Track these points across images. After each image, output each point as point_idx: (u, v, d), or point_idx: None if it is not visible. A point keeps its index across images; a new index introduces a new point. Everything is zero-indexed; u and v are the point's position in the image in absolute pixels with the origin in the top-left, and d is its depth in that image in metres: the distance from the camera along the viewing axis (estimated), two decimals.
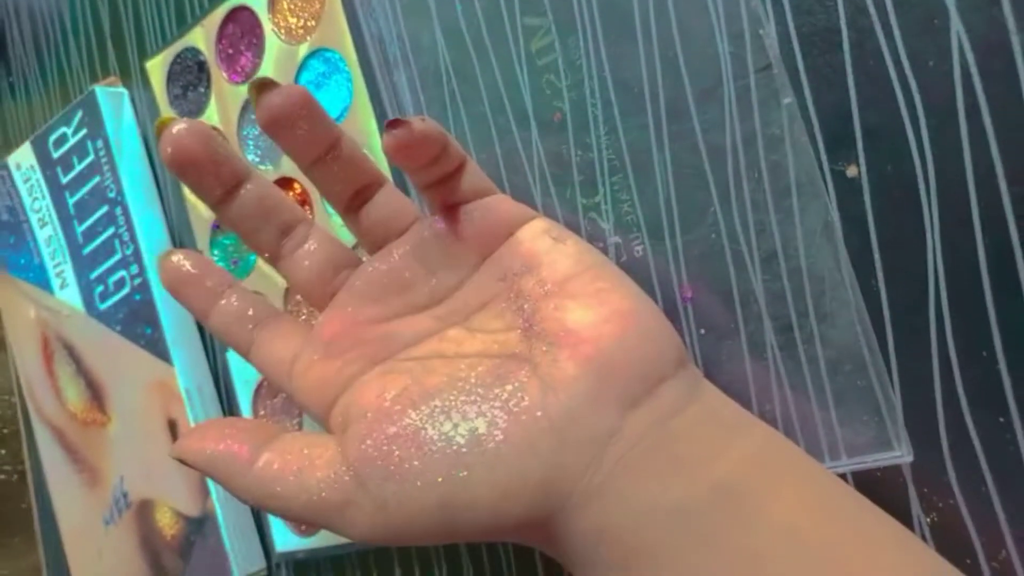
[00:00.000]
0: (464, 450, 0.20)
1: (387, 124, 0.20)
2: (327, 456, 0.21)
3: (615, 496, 0.19)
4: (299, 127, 0.22)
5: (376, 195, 0.24)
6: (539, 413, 0.20)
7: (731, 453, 0.19)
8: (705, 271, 0.26)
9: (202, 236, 0.38)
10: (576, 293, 0.21)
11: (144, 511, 0.41)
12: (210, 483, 0.38)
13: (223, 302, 0.25)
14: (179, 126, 0.22)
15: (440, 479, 0.19)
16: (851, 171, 0.24)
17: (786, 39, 0.24)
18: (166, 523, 0.40)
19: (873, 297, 0.23)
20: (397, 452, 0.20)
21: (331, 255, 0.25)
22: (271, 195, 0.24)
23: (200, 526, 0.38)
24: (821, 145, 0.24)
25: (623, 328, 0.20)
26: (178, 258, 0.25)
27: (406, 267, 0.24)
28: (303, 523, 0.26)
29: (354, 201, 0.24)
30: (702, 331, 0.26)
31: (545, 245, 0.23)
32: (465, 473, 0.19)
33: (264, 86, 0.22)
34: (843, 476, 0.23)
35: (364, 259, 0.25)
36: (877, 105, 0.23)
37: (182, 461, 0.23)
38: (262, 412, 0.37)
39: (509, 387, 0.20)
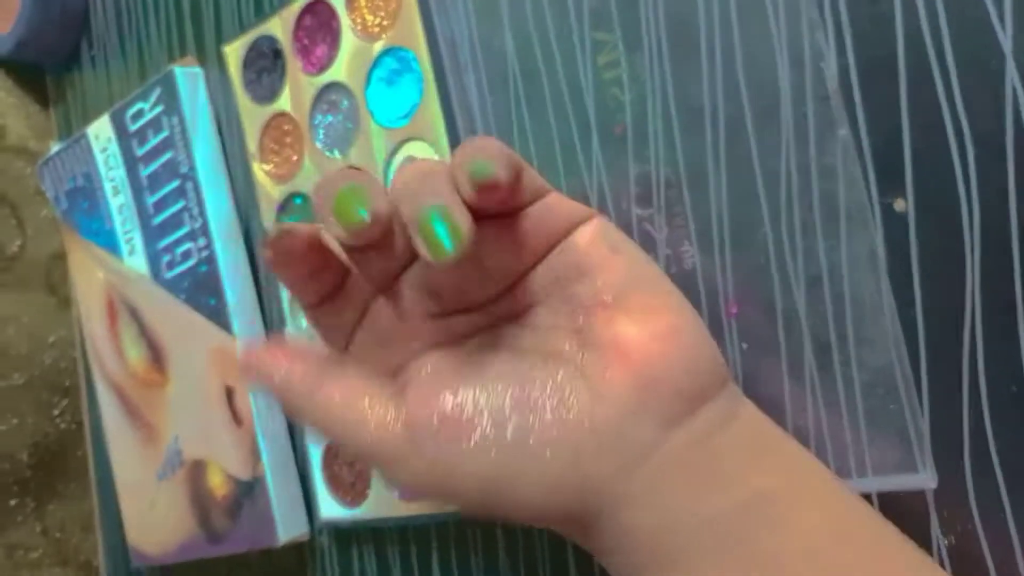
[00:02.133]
0: (512, 442, 0.21)
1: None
2: (383, 408, 0.23)
3: (648, 504, 0.21)
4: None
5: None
6: (586, 422, 0.21)
7: (764, 471, 0.21)
8: (752, 288, 0.27)
9: (268, 215, 0.40)
10: (628, 307, 0.22)
11: (196, 470, 0.43)
12: (262, 448, 0.40)
13: None
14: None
15: (486, 465, 0.21)
16: (899, 205, 0.25)
17: (845, 70, 0.25)
18: (217, 483, 0.42)
19: (910, 326, 0.24)
20: (450, 430, 0.21)
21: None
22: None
23: (250, 489, 0.40)
24: (872, 177, 0.25)
25: (671, 347, 0.21)
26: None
27: (465, 265, 0.24)
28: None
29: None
30: (744, 345, 0.27)
31: (601, 254, 0.23)
32: (510, 466, 0.21)
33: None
34: (868, 496, 0.25)
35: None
36: (928, 142, 0.24)
37: (249, 370, 0.24)
38: None
39: (561, 390, 0.21)
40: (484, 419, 0.21)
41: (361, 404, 0.23)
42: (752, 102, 0.26)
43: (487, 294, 0.24)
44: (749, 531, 0.20)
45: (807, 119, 0.25)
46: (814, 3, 0.25)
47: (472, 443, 0.21)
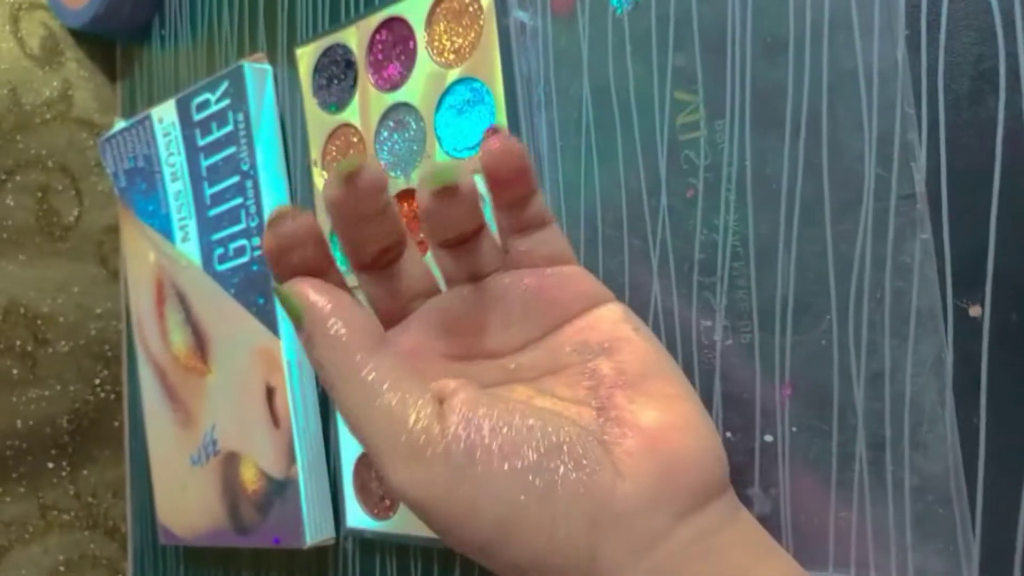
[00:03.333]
0: (541, 487, 0.20)
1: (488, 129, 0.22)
2: (427, 407, 0.21)
3: None
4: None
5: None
6: (607, 493, 0.20)
7: (766, 571, 0.21)
8: (809, 373, 0.27)
9: (324, 223, 0.40)
10: (650, 392, 0.22)
11: (230, 461, 0.44)
12: (297, 450, 0.41)
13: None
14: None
15: (509, 503, 0.20)
16: (974, 311, 0.24)
17: (935, 170, 0.25)
18: (249, 477, 0.43)
19: (971, 436, 0.24)
20: (491, 456, 0.20)
21: (420, 277, 0.26)
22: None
23: (282, 488, 0.41)
24: (949, 278, 0.24)
25: (689, 440, 0.22)
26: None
27: (483, 312, 0.24)
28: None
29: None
30: (794, 428, 0.27)
31: (626, 333, 0.24)
32: (530, 511, 0.20)
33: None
34: None
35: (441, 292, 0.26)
36: (1014, 253, 0.23)
37: (288, 305, 0.22)
38: None
39: (587, 453, 0.21)
40: (525, 453, 0.20)
41: (407, 397, 0.21)
42: (833, 188, 0.26)
43: (502, 345, 0.24)
44: None
45: (888, 215, 0.25)
46: (910, 98, 0.24)
47: (507, 470, 0.20)
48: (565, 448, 0.21)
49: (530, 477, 0.20)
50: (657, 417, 0.22)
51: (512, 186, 0.23)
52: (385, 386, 0.21)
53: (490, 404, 0.21)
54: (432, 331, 0.25)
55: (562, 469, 0.21)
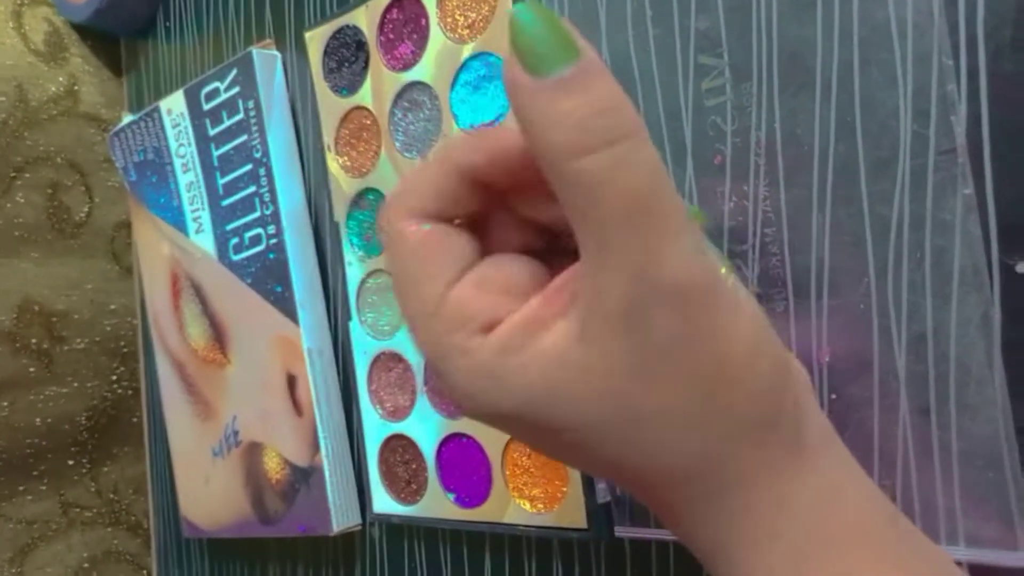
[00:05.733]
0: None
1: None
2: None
3: (815, 470, 0.19)
4: None
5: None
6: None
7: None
8: (847, 338, 0.26)
9: (339, 208, 0.40)
10: None
11: (253, 452, 0.44)
12: (321, 438, 0.40)
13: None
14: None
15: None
16: (1021, 267, 0.23)
17: (975, 122, 0.24)
18: (273, 467, 0.43)
19: (1021, 396, 0.23)
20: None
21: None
22: None
23: (306, 476, 0.41)
24: (994, 234, 0.24)
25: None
26: None
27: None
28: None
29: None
30: (833, 396, 0.26)
31: None
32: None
33: None
34: (958, 564, 0.24)
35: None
36: None
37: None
38: (374, 386, 0.40)
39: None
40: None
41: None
42: (867, 147, 0.25)
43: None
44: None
45: (927, 172, 0.24)
46: (948, 49, 0.24)
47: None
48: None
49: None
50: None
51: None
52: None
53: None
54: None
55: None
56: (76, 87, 0.53)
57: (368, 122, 0.38)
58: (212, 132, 0.45)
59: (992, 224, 0.24)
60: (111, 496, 0.55)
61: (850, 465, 0.20)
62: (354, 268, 0.40)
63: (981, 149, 0.24)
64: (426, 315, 0.19)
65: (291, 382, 0.41)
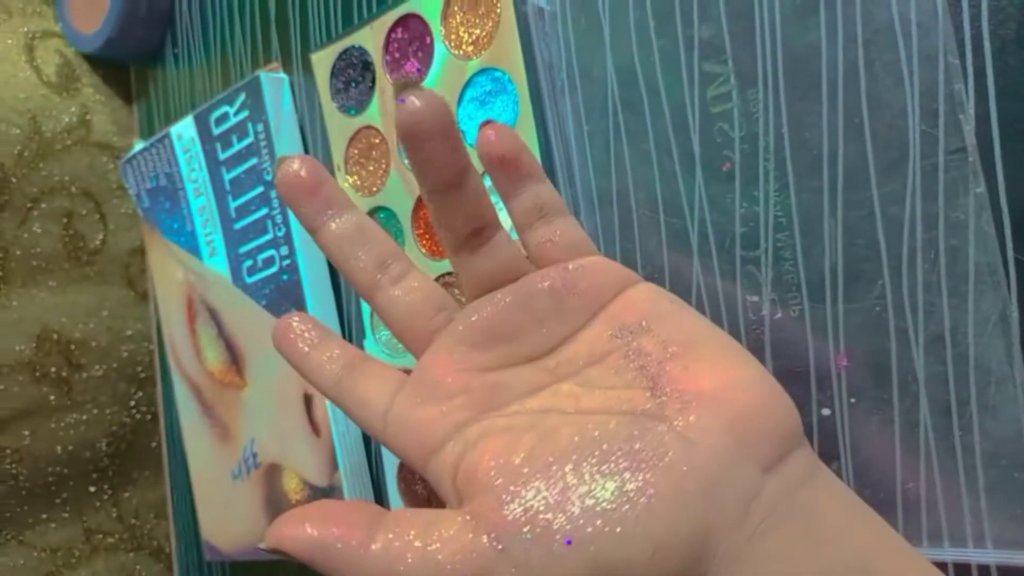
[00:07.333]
0: (612, 507, 0.20)
1: (482, 124, 0.22)
2: (455, 527, 0.20)
3: (762, 557, 0.20)
4: (435, 140, 0.22)
5: (494, 238, 0.24)
6: (685, 468, 0.20)
7: (861, 526, 0.20)
8: (864, 342, 0.26)
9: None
10: (703, 357, 0.22)
11: (272, 473, 0.44)
12: (339, 457, 0.40)
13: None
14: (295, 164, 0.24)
15: (592, 538, 0.20)
16: None
17: (985, 120, 0.24)
18: (292, 488, 0.43)
19: None
20: (542, 515, 0.20)
21: (430, 294, 0.25)
22: (370, 226, 0.24)
23: (326, 496, 0.41)
24: (1008, 232, 0.24)
25: (759, 394, 0.21)
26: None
27: (513, 316, 0.24)
28: None
29: (471, 240, 0.24)
30: (852, 400, 0.26)
31: (663, 307, 0.23)
32: (619, 529, 0.20)
33: (408, 86, 0.21)
34: (986, 568, 0.24)
35: (464, 303, 0.25)
36: None
37: (278, 551, 0.21)
38: None
39: (649, 444, 0.20)
40: (575, 494, 0.20)
41: (432, 532, 0.21)
42: (877, 149, 0.25)
43: (538, 346, 0.24)
44: None
45: (938, 171, 0.24)
46: (954, 47, 0.23)
47: (571, 521, 0.20)
48: (618, 458, 0.20)
49: (594, 509, 0.20)
50: (716, 376, 0.21)
51: (510, 164, 0.23)
52: (399, 558, 0.20)
53: (521, 468, 0.21)
54: (464, 345, 0.24)
55: (627, 478, 0.20)
56: (88, 116, 0.53)
57: (377, 141, 0.39)
58: (223, 156, 0.45)
59: (1006, 221, 0.23)
60: (133, 521, 0.55)
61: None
62: None
63: (992, 147, 0.23)
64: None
65: (308, 402, 0.41)
